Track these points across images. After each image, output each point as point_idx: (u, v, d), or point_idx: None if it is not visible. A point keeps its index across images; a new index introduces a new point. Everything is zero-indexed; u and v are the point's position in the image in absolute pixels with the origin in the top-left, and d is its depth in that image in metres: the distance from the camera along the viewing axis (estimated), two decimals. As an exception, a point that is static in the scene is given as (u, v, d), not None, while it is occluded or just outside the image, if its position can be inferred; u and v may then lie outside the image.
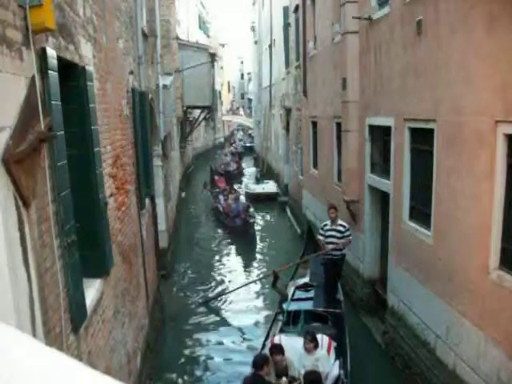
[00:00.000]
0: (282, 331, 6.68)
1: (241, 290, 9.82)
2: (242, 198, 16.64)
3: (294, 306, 7.32)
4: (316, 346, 5.52)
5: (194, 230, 16.04)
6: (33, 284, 2.44)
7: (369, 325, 8.03)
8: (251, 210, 15.27)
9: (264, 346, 6.19)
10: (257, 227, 15.07)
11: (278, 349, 5.30)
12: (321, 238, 7.91)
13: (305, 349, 5.50)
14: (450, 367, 5.29)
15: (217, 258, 13.03)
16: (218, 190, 19.37)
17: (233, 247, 13.89)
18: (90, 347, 3.61)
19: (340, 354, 5.89)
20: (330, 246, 7.67)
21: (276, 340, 5.83)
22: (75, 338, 3.24)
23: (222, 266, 12.21)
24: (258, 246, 13.84)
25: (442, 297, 5.46)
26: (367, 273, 8.49)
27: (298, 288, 8.22)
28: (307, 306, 7.42)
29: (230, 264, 12.42)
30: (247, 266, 12.33)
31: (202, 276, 11.27)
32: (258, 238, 14.36)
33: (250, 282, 9.90)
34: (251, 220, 14.00)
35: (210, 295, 9.86)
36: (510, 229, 4.35)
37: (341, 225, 7.77)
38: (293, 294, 7.95)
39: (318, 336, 5.65)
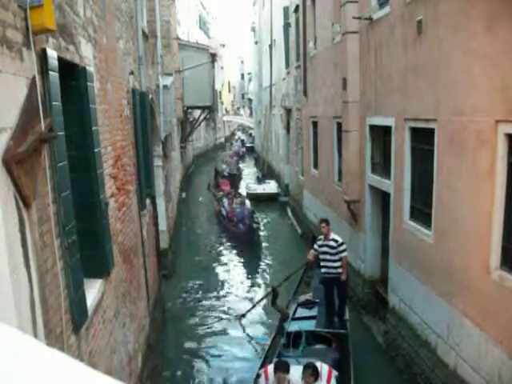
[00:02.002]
0: (280, 355, 6.16)
1: (242, 295, 10.12)
2: (248, 203, 15.83)
3: (295, 326, 6.77)
4: (316, 378, 4.96)
5: (195, 237, 15.34)
6: (34, 285, 2.44)
7: (370, 325, 8.03)
8: (256, 215, 14.77)
9: (258, 376, 5.49)
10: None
11: (284, 366, 4.87)
12: (313, 252, 7.33)
13: (303, 379, 4.94)
14: (451, 367, 5.29)
15: (218, 260, 12.97)
16: (221, 193, 18.77)
17: (235, 250, 13.55)
18: (90, 348, 3.61)
19: (342, 383, 5.40)
20: (323, 270, 7.11)
21: (270, 369, 5.16)
22: (76, 338, 3.24)
23: (223, 268, 12.17)
24: (261, 250, 13.50)
25: (443, 296, 5.46)
26: (368, 273, 8.49)
27: (300, 305, 7.70)
28: (309, 325, 6.88)
29: (231, 265, 12.36)
30: (248, 267, 12.26)
31: (203, 277, 11.27)
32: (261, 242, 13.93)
33: (256, 304, 9.16)
34: (255, 226, 13.45)
35: (243, 312, 9.03)
36: (510, 228, 4.35)
37: (333, 239, 7.03)
38: (294, 312, 7.44)
39: (318, 364, 5.09)
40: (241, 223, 13.69)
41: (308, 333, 6.51)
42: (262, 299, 9.20)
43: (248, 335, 8.32)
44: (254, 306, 9.13)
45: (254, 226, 13.31)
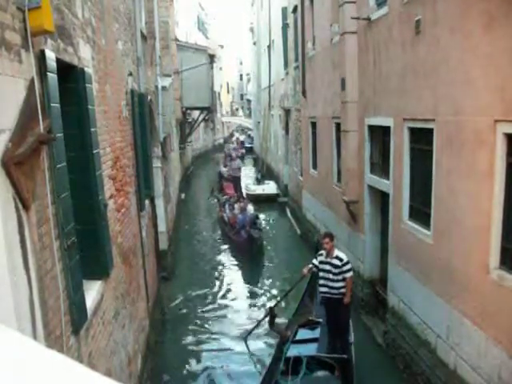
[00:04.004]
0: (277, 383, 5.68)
1: (241, 299, 10.03)
2: (251, 208, 14.65)
3: (295, 351, 6.19)
4: None
5: (196, 239, 14.88)
6: (33, 286, 2.44)
7: (369, 325, 8.02)
8: (259, 221, 13.81)
9: None
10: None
11: None
12: (311, 266, 6.72)
13: None
14: (451, 367, 5.29)
15: (218, 263, 12.91)
16: (225, 197, 17.93)
17: (236, 255, 13.00)
18: (90, 349, 3.61)
19: None
20: (323, 289, 6.43)
21: None
22: (76, 339, 3.24)
23: (223, 271, 12.08)
24: (263, 258, 12.69)
25: (443, 296, 5.47)
26: (367, 273, 8.49)
27: (301, 326, 7.03)
28: (311, 349, 6.29)
29: (232, 269, 12.24)
30: (248, 270, 12.05)
31: (203, 278, 11.26)
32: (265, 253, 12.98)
33: (258, 324, 8.00)
34: (256, 235, 12.33)
35: (248, 328, 8.15)
36: (509, 228, 4.36)
37: (337, 257, 6.30)
38: (295, 334, 6.81)
39: None
40: (243, 231, 12.63)
41: (309, 358, 5.93)
42: (262, 319, 8.05)
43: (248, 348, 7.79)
44: (256, 326, 8.04)
45: (255, 235, 12.24)
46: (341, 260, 6.29)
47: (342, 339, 6.43)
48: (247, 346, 7.75)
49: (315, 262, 6.63)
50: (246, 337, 7.93)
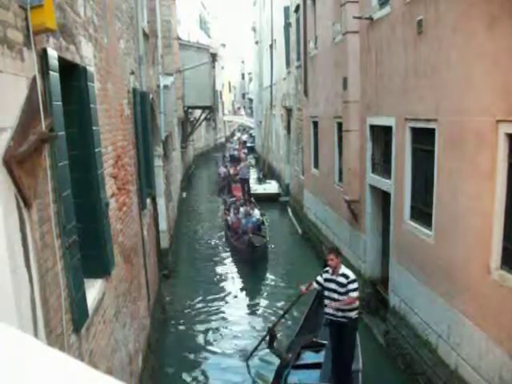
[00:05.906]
0: None
1: (241, 298, 10.05)
2: (257, 213, 13.91)
3: (295, 378, 5.60)
4: None
5: (197, 238, 14.79)
6: (34, 285, 2.44)
7: (370, 325, 8.02)
8: (264, 227, 13.31)
9: None
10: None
11: None
12: (315, 285, 5.98)
13: None
14: (452, 367, 5.29)
15: (219, 264, 12.89)
16: (232, 199, 17.49)
17: (238, 257, 12.67)
18: (91, 347, 3.61)
19: None
20: (333, 304, 5.64)
21: None
22: (77, 338, 3.24)
23: (224, 272, 12.05)
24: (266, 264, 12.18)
25: (444, 296, 5.46)
26: (368, 273, 8.49)
27: (304, 348, 6.49)
28: (312, 376, 5.71)
29: (233, 270, 12.16)
30: (249, 272, 11.84)
31: (204, 277, 11.27)
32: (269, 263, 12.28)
33: (259, 344, 7.23)
34: (258, 243, 11.55)
35: (249, 349, 7.44)
36: (511, 228, 4.35)
37: (343, 275, 5.61)
38: (297, 357, 6.27)
39: None
40: (245, 236, 11.95)
41: None
42: (260, 342, 7.25)
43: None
44: (257, 346, 7.30)
45: (257, 243, 11.52)
46: (347, 277, 5.59)
47: (345, 366, 5.78)
48: (248, 369, 7.07)
49: (319, 279, 5.90)
50: (247, 359, 7.25)
